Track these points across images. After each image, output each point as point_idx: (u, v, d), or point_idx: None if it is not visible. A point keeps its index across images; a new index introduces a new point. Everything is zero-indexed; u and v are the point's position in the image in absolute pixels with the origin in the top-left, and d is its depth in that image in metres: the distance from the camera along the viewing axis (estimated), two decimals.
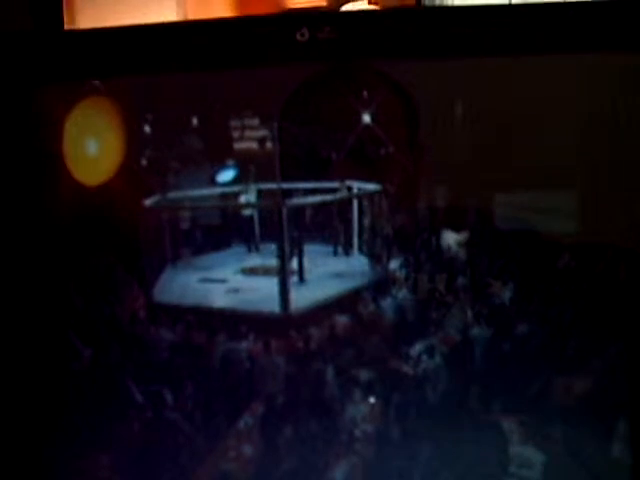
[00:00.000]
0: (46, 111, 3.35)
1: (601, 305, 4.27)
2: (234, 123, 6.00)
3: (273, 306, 5.22)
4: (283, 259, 5.08)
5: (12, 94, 2.80)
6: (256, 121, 5.69)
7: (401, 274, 5.21)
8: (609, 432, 3.29)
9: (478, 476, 3.18)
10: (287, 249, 5.15)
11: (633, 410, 3.00)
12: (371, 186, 5.43)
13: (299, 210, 5.78)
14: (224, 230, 6.32)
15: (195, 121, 5.68)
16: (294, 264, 5.58)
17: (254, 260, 6.23)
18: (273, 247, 6.19)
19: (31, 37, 2.64)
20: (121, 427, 4.27)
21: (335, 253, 6.24)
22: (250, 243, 6.31)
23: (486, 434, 3.31)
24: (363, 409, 4.27)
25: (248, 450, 4.08)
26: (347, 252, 6.12)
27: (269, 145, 6.01)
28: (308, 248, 5.97)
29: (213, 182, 5.64)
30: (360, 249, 6.08)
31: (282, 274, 5.12)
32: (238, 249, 6.34)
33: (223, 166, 5.42)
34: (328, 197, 5.41)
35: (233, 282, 5.92)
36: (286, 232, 5.06)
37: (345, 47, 2.71)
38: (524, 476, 3.08)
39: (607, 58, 3.12)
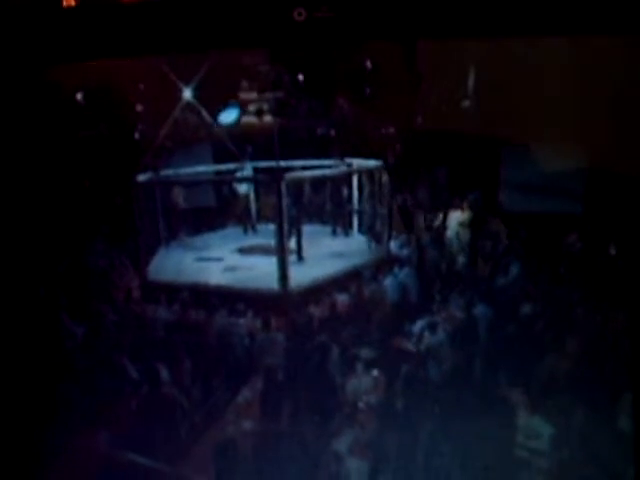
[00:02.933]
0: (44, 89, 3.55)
1: (604, 283, 4.50)
2: (232, 100, 6.31)
3: (272, 283, 5.53)
4: (282, 235, 5.38)
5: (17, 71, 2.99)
6: (254, 96, 6.04)
7: (403, 253, 5.53)
8: (613, 406, 3.54)
9: (487, 449, 3.42)
10: (285, 226, 5.45)
11: (635, 384, 3.24)
12: (371, 163, 5.78)
13: (298, 188, 6.13)
14: (220, 210, 6.74)
15: (193, 99, 6.03)
16: (292, 244, 5.94)
17: (251, 240, 6.65)
18: (270, 228, 6.59)
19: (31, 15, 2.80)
20: (119, 403, 4.51)
21: (334, 233, 6.64)
22: (247, 223, 6.75)
23: (493, 408, 3.54)
24: (365, 386, 4.53)
25: (247, 424, 4.34)
26: (346, 232, 6.50)
27: (267, 123, 6.39)
28: (306, 229, 6.36)
29: (216, 123, 5.89)
30: (360, 229, 6.49)
31: (281, 251, 5.41)
32: (234, 230, 6.77)
33: (226, 106, 5.71)
34: (327, 171, 5.75)
35: (230, 261, 6.28)
36: (285, 207, 5.34)
37: (342, 25, 2.90)
38: (532, 447, 3.35)
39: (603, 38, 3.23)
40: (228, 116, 9.90)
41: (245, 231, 10.21)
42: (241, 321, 6.36)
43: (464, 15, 2.62)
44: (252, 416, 4.99)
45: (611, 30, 2.82)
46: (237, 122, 9.95)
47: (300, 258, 7.79)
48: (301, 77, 8.72)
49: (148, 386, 5.35)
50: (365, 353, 5.69)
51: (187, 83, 8.69)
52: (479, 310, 5.90)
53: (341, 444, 4.72)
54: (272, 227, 7.45)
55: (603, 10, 2.65)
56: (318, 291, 6.79)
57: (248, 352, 6.00)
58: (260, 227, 9.89)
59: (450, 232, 7.78)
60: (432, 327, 5.68)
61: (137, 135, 9.00)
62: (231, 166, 9.71)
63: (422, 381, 4.91)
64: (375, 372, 5.25)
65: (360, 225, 8.76)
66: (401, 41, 7.13)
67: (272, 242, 7.21)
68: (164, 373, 5.40)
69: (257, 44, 2.90)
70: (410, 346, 5.79)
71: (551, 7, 2.81)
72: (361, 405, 4.88)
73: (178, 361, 5.41)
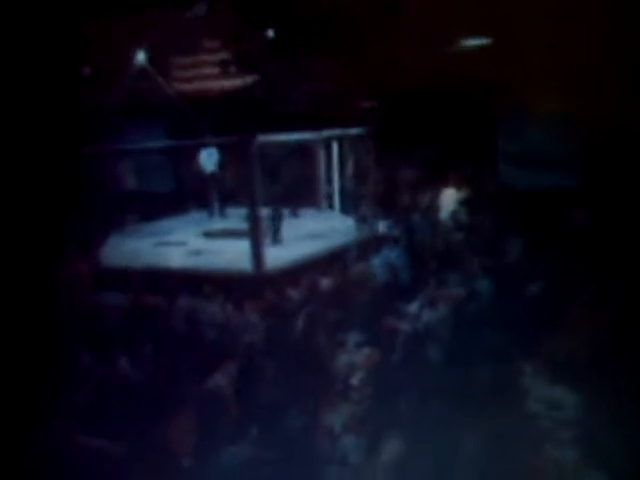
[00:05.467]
0: None
1: (608, 253, 4.32)
2: (198, 70, 5.83)
3: (243, 267, 4.99)
4: (254, 211, 4.88)
5: None
6: (216, 50, 5.52)
7: (393, 233, 5.10)
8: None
9: (507, 424, 3.13)
10: (258, 203, 4.89)
11: None
12: (353, 130, 5.32)
13: (272, 164, 5.56)
14: (181, 193, 6.16)
15: (150, 64, 5.52)
16: (267, 225, 5.32)
17: (218, 224, 6.07)
18: (238, 212, 5.98)
19: None
20: (77, 394, 4.04)
21: (314, 213, 6.03)
22: (212, 206, 6.16)
23: (505, 381, 3.26)
24: (357, 364, 4.12)
25: (211, 412, 3.90)
26: (327, 212, 5.94)
27: (232, 84, 5.80)
28: (282, 210, 5.68)
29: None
30: (342, 208, 5.99)
31: (254, 230, 4.90)
32: (199, 214, 6.18)
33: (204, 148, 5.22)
34: (306, 136, 5.25)
35: (194, 245, 5.72)
36: (257, 177, 4.85)
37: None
38: (556, 417, 3.07)
39: None
40: (209, 158, 9.06)
41: (211, 215, 9.73)
42: (208, 304, 5.89)
43: None
44: (231, 398, 4.68)
45: None
46: None
47: (276, 240, 7.41)
48: (270, 32, 8.22)
49: (112, 374, 4.97)
50: (354, 334, 5.41)
51: (140, 44, 8.09)
52: (483, 285, 5.67)
53: (336, 421, 4.45)
54: (242, 211, 7.03)
55: None
56: (296, 273, 6.41)
57: (219, 335, 5.57)
58: (228, 211, 9.42)
59: (445, 209, 7.49)
60: (431, 304, 5.42)
61: (85, 102, 8.37)
62: (189, 141, 9.04)
63: (424, 359, 4.67)
64: (367, 351, 5.01)
65: (342, 204, 8.38)
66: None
67: (240, 225, 6.81)
68: (124, 361, 4.99)
69: None
70: (406, 325, 5.51)
71: None
72: (353, 382, 4.64)
73: (140, 347, 5.01)
